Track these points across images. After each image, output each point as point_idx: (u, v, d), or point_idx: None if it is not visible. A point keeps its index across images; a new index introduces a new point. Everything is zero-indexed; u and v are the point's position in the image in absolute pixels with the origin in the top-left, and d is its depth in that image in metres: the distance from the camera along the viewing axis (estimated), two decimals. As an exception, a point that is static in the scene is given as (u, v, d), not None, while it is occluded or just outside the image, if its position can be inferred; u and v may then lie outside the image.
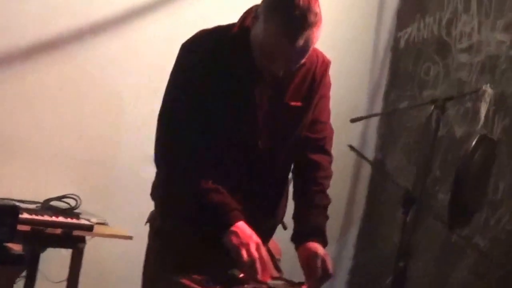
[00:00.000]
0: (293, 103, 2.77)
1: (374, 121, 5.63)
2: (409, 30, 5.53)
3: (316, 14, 2.52)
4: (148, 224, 2.93)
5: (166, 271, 2.67)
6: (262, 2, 2.61)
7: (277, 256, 2.94)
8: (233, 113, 2.70)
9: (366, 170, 5.66)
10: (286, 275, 2.82)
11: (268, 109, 2.73)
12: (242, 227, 2.61)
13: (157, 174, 2.85)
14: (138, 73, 4.62)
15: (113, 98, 4.58)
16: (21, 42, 4.28)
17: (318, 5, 2.54)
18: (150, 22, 4.64)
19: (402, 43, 5.58)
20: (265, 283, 2.57)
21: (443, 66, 5.17)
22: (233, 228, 2.60)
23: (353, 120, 4.90)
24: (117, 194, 4.59)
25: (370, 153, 5.63)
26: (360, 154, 5.10)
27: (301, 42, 2.52)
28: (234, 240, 2.58)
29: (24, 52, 4.31)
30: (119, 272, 4.55)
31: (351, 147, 4.87)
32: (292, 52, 2.56)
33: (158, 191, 2.86)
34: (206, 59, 2.67)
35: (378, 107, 5.68)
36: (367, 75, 5.61)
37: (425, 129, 5.10)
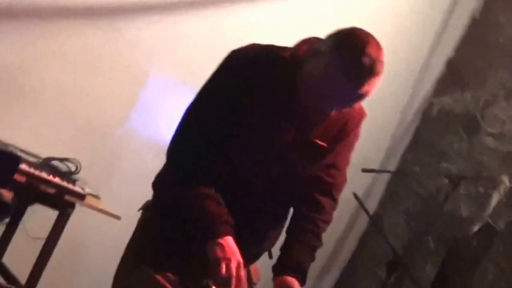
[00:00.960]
0: (319, 142, 2.74)
1: (385, 176, 5.62)
2: (444, 99, 5.53)
3: (382, 64, 2.49)
4: (140, 212, 2.92)
5: (143, 263, 2.65)
6: (328, 39, 2.55)
7: (255, 280, 2.92)
8: (256, 135, 2.67)
9: (363, 222, 5.64)
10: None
11: (292, 141, 2.69)
12: (229, 242, 2.58)
13: (165, 165, 2.84)
14: (168, 63, 4.60)
15: (136, 80, 4.59)
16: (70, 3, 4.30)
17: (383, 53, 2.52)
18: (195, 16, 4.63)
19: (434, 110, 5.57)
20: None
21: (468, 144, 5.17)
22: (220, 240, 2.57)
23: (364, 170, 4.90)
24: (118, 173, 4.58)
25: (371, 205, 5.60)
26: (361, 205, 5.06)
27: (364, 89, 2.49)
28: (218, 252, 2.55)
29: (71, 14, 4.31)
30: (96, 249, 4.55)
31: (355, 196, 4.85)
32: (351, 96, 2.53)
33: (161, 182, 2.85)
34: (249, 74, 2.64)
35: (393, 164, 5.67)
36: (391, 130, 5.61)
37: (432, 200, 5.10)
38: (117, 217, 3.94)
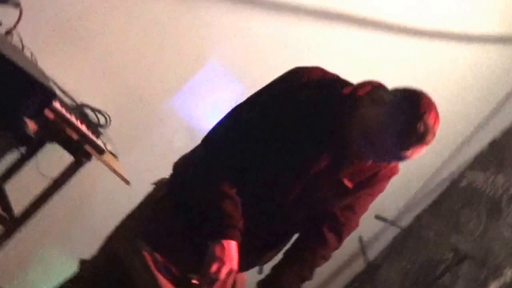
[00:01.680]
0: (346, 182, 2.72)
1: (394, 229, 5.58)
2: (477, 175, 5.48)
3: (434, 135, 2.49)
4: (152, 187, 2.91)
5: (140, 236, 2.64)
6: (393, 91, 2.56)
7: (238, 289, 2.93)
8: (289, 155, 2.65)
9: (358, 267, 5.60)
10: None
11: (321, 171, 2.68)
12: (231, 247, 2.57)
13: (196, 150, 2.82)
14: (228, 57, 4.58)
15: (192, 63, 4.58)
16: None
17: (438, 125, 2.51)
18: (272, 19, 4.61)
19: (463, 182, 5.53)
20: None
21: (484, 226, 5.12)
22: (224, 242, 2.56)
23: (377, 217, 4.88)
24: (143, 143, 4.56)
25: (373, 252, 5.57)
26: (363, 250, 5.06)
27: (408, 153, 2.49)
28: (218, 252, 2.55)
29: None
30: (98, 207, 4.56)
31: (360, 239, 4.83)
32: (393, 155, 2.54)
33: (185, 165, 2.84)
34: (304, 96, 2.62)
35: (406, 220, 5.63)
36: (416, 187, 5.57)
37: (432, 268, 5.06)
38: (127, 182, 3.94)
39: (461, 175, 5.57)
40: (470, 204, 5.37)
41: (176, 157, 2.89)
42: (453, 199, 5.53)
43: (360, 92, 2.63)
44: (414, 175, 5.38)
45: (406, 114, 2.46)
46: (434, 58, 5.07)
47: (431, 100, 2.51)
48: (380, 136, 2.48)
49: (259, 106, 2.68)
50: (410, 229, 5.58)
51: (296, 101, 2.62)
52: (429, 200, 5.68)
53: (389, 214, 5.31)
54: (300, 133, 2.62)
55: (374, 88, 2.63)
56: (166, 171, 2.90)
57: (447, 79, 5.16)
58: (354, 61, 4.56)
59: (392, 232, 5.62)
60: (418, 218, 5.61)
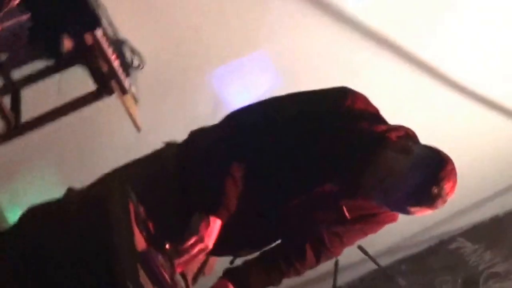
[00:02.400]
0: (345, 210, 2.70)
1: (371, 265, 5.57)
2: (468, 244, 5.48)
3: (444, 203, 2.49)
4: (161, 145, 2.90)
5: (132, 186, 2.57)
6: (422, 147, 2.55)
7: (206, 272, 2.92)
8: (297, 170, 2.61)
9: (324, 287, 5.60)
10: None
11: (322, 195, 2.66)
12: (215, 225, 2.56)
13: (218, 126, 2.80)
14: (285, 53, 4.57)
15: (248, 45, 4.56)
16: None
17: (452, 195, 2.50)
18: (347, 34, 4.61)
19: (453, 245, 5.52)
20: (173, 270, 2.46)
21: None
22: (211, 218, 2.55)
23: (360, 248, 4.86)
24: (167, 100, 4.55)
25: (342, 279, 5.53)
26: (335, 273, 5.05)
27: (414, 210, 2.49)
28: (202, 227, 2.54)
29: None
30: (102, 144, 4.57)
31: (336, 263, 4.82)
32: (399, 207, 2.53)
33: (201, 136, 2.82)
34: (339, 122, 2.60)
35: (386, 260, 5.61)
36: (405, 234, 5.55)
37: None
38: (139, 129, 3.92)
39: (453, 238, 5.57)
40: (451, 269, 5.38)
41: (193, 125, 2.88)
42: (437, 257, 5.54)
43: (392, 135, 2.61)
44: (409, 222, 5.36)
45: (426, 174, 2.46)
46: (472, 120, 5.05)
47: (454, 170, 2.51)
48: (395, 184, 2.48)
49: (295, 110, 2.65)
50: (386, 270, 5.56)
51: (329, 121, 2.60)
52: (414, 249, 5.67)
53: (372, 249, 5.29)
54: (319, 152, 2.59)
55: (406, 136, 2.62)
56: (179, 135, 2.89)
57: (474, 142, 5.15)
58: (396, 98, 4.55)
59: (368, 267, 5.60)
60: (398, 262, 5.61)
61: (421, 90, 4.89)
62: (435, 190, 2.44)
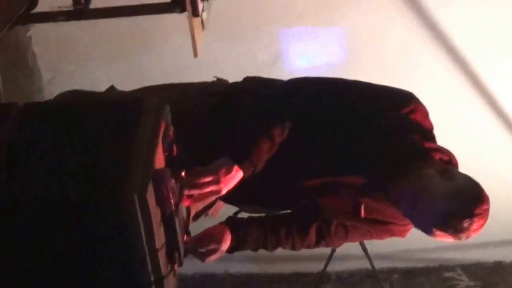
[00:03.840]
0: (362, 208, 2.69)
1: (365, 263, 5.58)
2: (464, 277, 5.49)
3: (467, 238, 2.49)
4: (213, 78, 2.90)
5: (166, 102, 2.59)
6: (463, 177, 2.53)
7: (210, 214, 2.93)
8: (333, 153, 2.60)
9: (313, 268, 5.61)
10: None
11: (345, 184, 2.65)
12: (236, 177, 2.57)
13: (278, 83, 2.78)
14: (359, 42, 4.56)
15: (328, 14, 4.54)
16: None
17: (476, 234, 2.50)
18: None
19: (449, 274, 5.53)
20: (180, 199, 2.45)
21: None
22: (235, 167, 2.55)
23: (361, 244, 4.87)
24: (233, 38, 4.51)
25: (332, 267, 5.56)
26: (328, 259, 5.08)
27: (436, 234, 2.48)
28: (223, 170, 2.54)
29: None
30: (155, 55, 4.56)
31: (332, 249, 4.84)
32: (424, 228, 2.52)
33: (257, 86, 2.81)
34: (393, 123, 2.58)
35: (380, 265, 5.62)
36: (409, 246, 5.53)
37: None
38: (196, 54, 3.90)
39: (453, 267, 5.56)
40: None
41: (250, 72, 2.87)
42: (429, 279, 5.55)
43: (437, 155, 2.60)
44: (419, 236, 5.34)
45: (461, 205, 2.45)
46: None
47: (488, 210, 2.49)
48: (428, 203, 2.47)
49: (356, 97, 2.64)
50: (378, 273, 5.57)
51: (384, 119, 2.59)
52: (411, 263, 5.66)
53: (372, 248, 5.29)
54: (363, 143, 2.58)
55: (451, 162, 2.62)
56: (231, 75, 2.89)
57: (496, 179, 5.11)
58: (443, 116, 4.52)
59: (361, 264, 5.60)
60: (392, 270, 5.61)
61: (473, 114, 4.85)
62: (465, 223, 2.43)
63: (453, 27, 4.60)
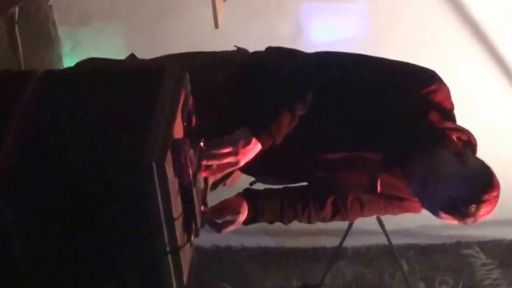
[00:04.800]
0: (378, 183, 2.68)
1: (382, 238, 5.57)
2: (482, 254, 5.47)
3: (474, 222, 2.47)
4: (234, 48, 2.89)
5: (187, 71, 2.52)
6: (478, 161, 2.52)
7: (228, 183, 2.93)
8: (353, 128, 2.58)
9: (329, 242, 5.62)
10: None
11: (362, 159, 2.62)
12: (254, 149, 2.54)
13: (304, 57, 2.74)
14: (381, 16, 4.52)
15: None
16: None
17: (483, 219, 2.48)
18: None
19: (466, 251, 5.52)
20: (198, 169, 2.43)
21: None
22: (254, 140, 2.52)
23: (378, 220, 4.86)
24: (253, 11, 4.48)
25: (348, 242, 5.55)
26: (345, 234, 5.07)
27: (442, 215, 2.47)
28: (242, 142, 2.52)
29: None
30: (175, 24, 4.51)
31: (350, 224, 4.83)
32: (430, 206, 2.52)
33: (280, 57, 2.77)
34: (414, 101, 2.55)
35: (397, 241, 5.60)
36: (424, 222, 5.53)
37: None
38: (217, 26, 3.88)
39: (470, 244, 5.54)
40: (455, 272, 5.36)
41: (270, 43, 2.84)
42: (446, 256, 5.53)
43: (455, 135, 2.57)
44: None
45: (470, 190, 2.43)
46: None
47: (498, 197, 2.47)
48: (437, 184, 2.46)
49: (380, 73, 2.60)
50: (393, 249, 5.56)
51: (405, 96, 2.56)
52: (429, 240, 5.65)
53: (389, 224, 5.28)
54: (382, 119, 2.55)
55: (468, 142, 2.59)
56: (251, 45, 2.87)
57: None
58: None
59: (378, 240, 5.59)
60: (408, 246, 5.60)
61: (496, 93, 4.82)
62: (472, 208, 2.42)
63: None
